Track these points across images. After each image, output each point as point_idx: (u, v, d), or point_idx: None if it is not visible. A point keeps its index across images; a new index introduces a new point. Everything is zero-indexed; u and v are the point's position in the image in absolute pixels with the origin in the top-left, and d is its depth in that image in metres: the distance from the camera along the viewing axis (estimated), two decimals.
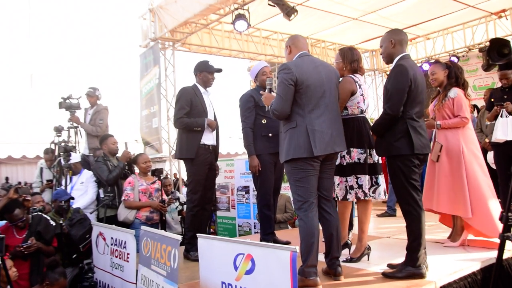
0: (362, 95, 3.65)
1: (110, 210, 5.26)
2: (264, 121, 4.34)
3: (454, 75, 4.14)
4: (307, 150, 3.01)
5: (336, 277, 3.16)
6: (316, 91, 3.11)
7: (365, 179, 3.56)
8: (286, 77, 3.07)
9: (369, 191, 3.58)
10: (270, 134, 4.29)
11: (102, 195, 5.30)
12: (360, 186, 3.56)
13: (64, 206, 4.68)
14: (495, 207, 3.93)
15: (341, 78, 3.66)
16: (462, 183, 3.93)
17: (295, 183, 3.10)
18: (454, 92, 4.08)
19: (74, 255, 4.50)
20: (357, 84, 3.64)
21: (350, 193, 3.56)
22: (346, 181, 3.56)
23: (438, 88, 4.27)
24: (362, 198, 3.58)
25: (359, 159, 3.54)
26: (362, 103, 3.65)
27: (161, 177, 5.25)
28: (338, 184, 3.58)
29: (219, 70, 4.49)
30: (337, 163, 3.52)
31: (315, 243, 3.00)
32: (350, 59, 3.70)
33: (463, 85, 4.19)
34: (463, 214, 3.94)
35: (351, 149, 3.52)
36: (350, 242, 3.82)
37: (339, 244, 3.23)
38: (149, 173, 5.37)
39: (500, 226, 3.92)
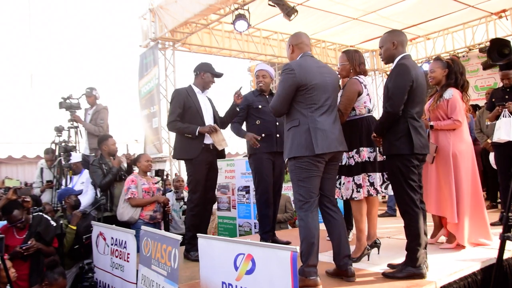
0: (368, 95, 3.70)
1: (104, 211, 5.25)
2: (258, 122, 4.44)
3: (454, 76, 4.08)
4: (308, 149, 3.01)
5: (349, 278, 3.09)
6: (320, 91, 3.11)
7: (376, 177, 3.61)
8: (286, 78, 3.08)
9: (381, 188, 3.63)
10: (263, 135, 4.37)
11: (98, 195, 5.27)
12: (371, 184, 3.60)
13: (77, 201, 4.72)
14: (478, 213, 3.98)
15: (345, 80, 3.72)
16: (450, 186, 3.93)
17: (298, 183, 3.07)
18: (449, 93, 4.03)
19: (76, 246, 4.55)
20: (362, 84, 3.69)
21: (358, 191, 3.57)
22: (353, 180, 3.59)
23: (436, 86, 4.23)
24: (375, 195, 3.63)
25: (369, 157, 3.59)
26: (368, 103, 3.69)
27: (164, 178, 5.33)
28: (344, 184, 3.61)
29: (221, 75, 4.50)
30: (343, 163, 3.56)
31: (315, 243, 2.99)
32: (358, 62, 3.74)
33: (463, 86, 4.13)
34: (450, 218, 3.93)
35: (361, 148, 3.57)
36: (379, 242, 3.84)
37: (348, 242, 3.21)
38: (149, 173, 5.39)
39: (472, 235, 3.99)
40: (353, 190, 3.59)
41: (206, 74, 4.40)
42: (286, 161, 3.25)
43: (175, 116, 4.27)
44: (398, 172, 3.16)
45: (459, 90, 4.11)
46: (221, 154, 4.48)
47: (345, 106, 3.56)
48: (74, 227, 4.59)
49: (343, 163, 3.57)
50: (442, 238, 4.23)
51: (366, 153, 3.58)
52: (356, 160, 3.57)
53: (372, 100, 3.76)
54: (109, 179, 5.20)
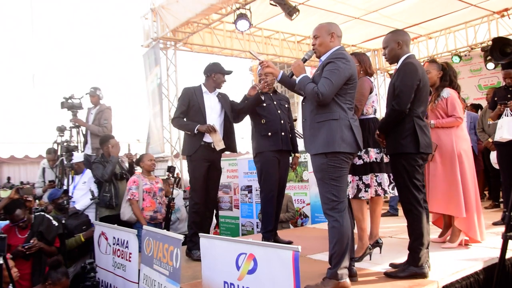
0: (376, 95, 3.80)
1: (105, 210, 5.28)
2: (263, 121, 4.45)
3: (449, 78, 4.17)
4: (350, 145, 2.92)
5: (351, 278, 3.05)
6: (355, 91, 3.10)
7: (383, 177, 3.64)
8: (344, 67, 2.93)
9: (388, 188, 3.67)
10: (269, 133, 4.40)
11: (95, 194, 5.28)
12: (379, 184, 3.63)
13: (63, 202, 4.73)
14: (478, 211, 4.00)
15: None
16: (456, 182, 3.95)
17: (330, 182, 2.90)
18: (447, 92, 4.11)
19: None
20: (373, 84, 3.82)
21: (366, 191, 3.61)
22: (360, 179, 3.62)
23: (430, 88, 4.27)
24: (382, 195, 3.66)
25: (376, 158, 3.63)
26: (376, 103, 3.79)
27: (174, 175, 5.59)
28: (350, 183, 3.63)
29: (231, 72, 4.51)
30: None
31: (349, 244, 2.94)
32: (368, 64, 3.86)
33: (457, 89, 4.21)
34: (457, 213, 3.95)
35: (369, 149, 3.61)
36: (381, 241, 3.87)
37: (353, 245, 3.18)
38: (152, 173, 5.43)
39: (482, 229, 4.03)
40: (360, 190, 3.62)
41: (217, 75, 4.41)
42: (312, 156, 3.05)
43: (179, 113, 4.36)
44: (403, 171, 3.15)
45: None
46: (232, 148, 4.47)
47: (361, 102, 3.64)
48: (83, 239, 4.63)
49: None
50: None
51: (373, 154, 3.63)
52: (364, 160, 3.61)
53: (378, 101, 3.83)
54: (111, 168, 5.25)
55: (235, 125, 4.61)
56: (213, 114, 4.37)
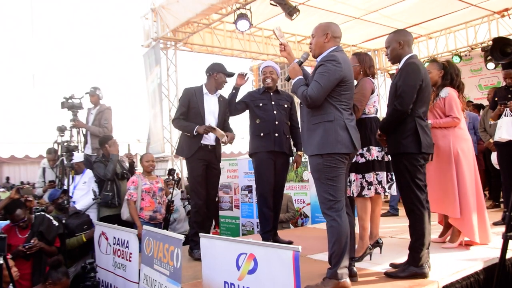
0: (377, 95, 3.83)
1: (107, 210, 5.29)
2: (258, 121, 4.44)
3: (450, 77, 4.15)
4: (345, 146, 2.92)
5: (352, 278, 3.03)
6: (352, 91, 3.11)
7: (383, 176, 3.65)
8: (334, 70, 2.91)
9: (386, 187, 3.68)
10: (262, 134, 4.39)
11: (97, 194, 5.27)
12: (379, 182, 3.64)
13: (63, 202, 4.74)
14: (476, 211, 3.97)
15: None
16: (452, 183, 3.94)
17: (327, 182, 2.93)
18: (445, 91, 4.09)
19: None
20: (374, 85, 3.83)
21: (369, 189, 3.62)
22: (363, 177, 3.63)
23: (432, 87, 4.26)
24: (382, 193, 3.68)
25: (377, 156, 3.64)
26: (377, 103, 3.80)
27: (174, 178, 5.71)
28: (354, 181, 3.65)
29: (233, 74, 4.48)
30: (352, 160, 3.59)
31: (348, 243, 2.93)
32: (368, 64, 3.84)
33: (459, 87, 4.19)
34: (452, 214, 3.94)
35: (371, 147, 3.62)
36: (381, 241, 3.88)
37: (354, 244, 3.18)
38: (153, 173, 5.46)
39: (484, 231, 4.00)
40: (363, 187, 3.63)
41: (219, 75, 4.39)
42: (309, 157, 3.06)
43: (179, 114, 4.37)
44: (405, 171, 3.16)
45: (455, 89, 4.16)
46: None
47: (361, 102, 3.64)
48: (85, 239, 4.66)
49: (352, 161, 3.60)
50: None
51: (375, 152, 3.64)
52: (367, 158, 3.62)
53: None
54: (112, 167, 5.29)
55: (235, 125, 4.63)
56: (211, 117, 4.38)
